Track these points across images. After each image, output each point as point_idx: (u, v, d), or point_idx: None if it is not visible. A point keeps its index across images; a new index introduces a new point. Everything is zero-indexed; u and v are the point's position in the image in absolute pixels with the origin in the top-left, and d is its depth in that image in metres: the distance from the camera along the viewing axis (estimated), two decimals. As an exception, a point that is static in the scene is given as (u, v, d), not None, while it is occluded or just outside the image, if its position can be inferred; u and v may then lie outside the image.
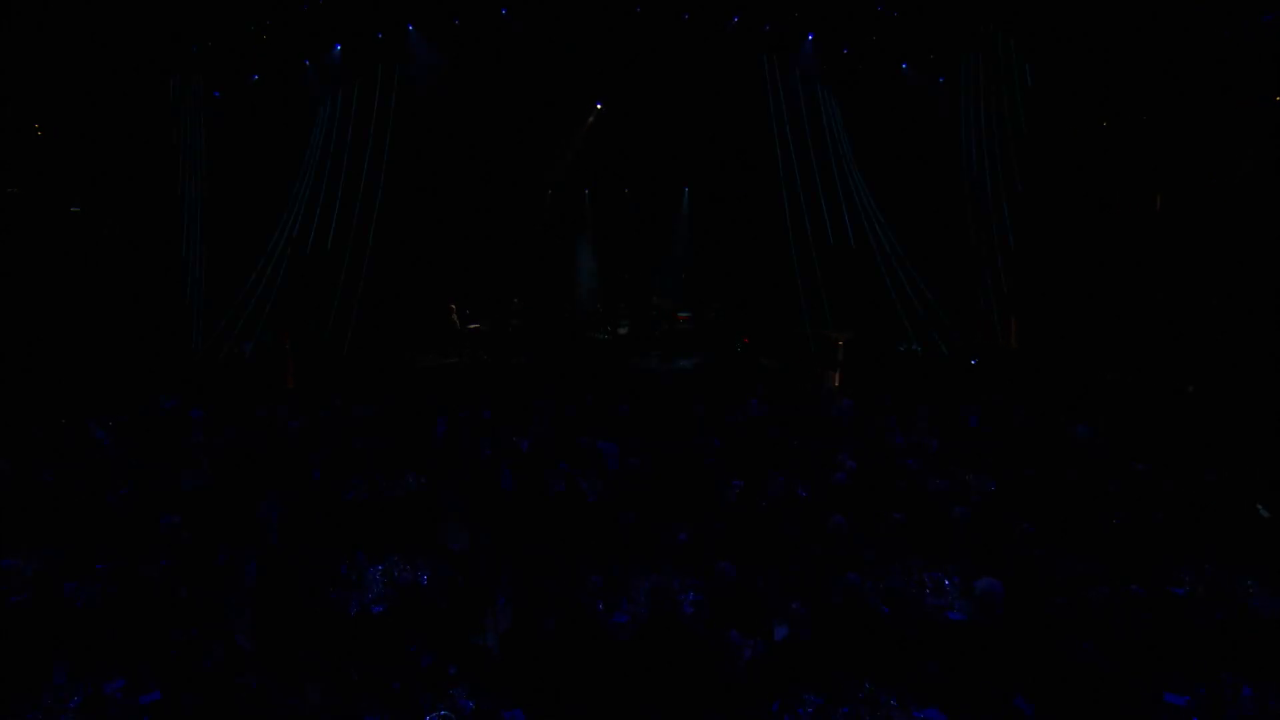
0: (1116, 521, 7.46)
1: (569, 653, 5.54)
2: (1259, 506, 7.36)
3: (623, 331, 17.69)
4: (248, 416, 12.20)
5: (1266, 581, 6.10)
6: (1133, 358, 14.22)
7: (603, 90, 17.84)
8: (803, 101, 16.64)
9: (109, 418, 12.21)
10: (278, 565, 6.51)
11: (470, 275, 18.68)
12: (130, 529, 7.86)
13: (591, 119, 18.83)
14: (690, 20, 16.21)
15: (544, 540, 8.35)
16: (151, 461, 10.05)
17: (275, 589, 6.25)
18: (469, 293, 18.08)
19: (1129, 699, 4.88)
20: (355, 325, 17.10)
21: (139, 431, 11.28)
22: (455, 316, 16.62)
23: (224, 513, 9.20)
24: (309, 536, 7.26)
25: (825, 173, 16.77)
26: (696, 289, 19.39)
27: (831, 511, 8.44)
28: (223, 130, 16.75)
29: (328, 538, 7.61)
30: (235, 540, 8.13)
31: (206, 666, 5.48)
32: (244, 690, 5.15)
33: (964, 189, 16.29)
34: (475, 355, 16.45)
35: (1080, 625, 5.44)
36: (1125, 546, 6.80)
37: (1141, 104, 14.72)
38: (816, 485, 8.94)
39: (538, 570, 6.78)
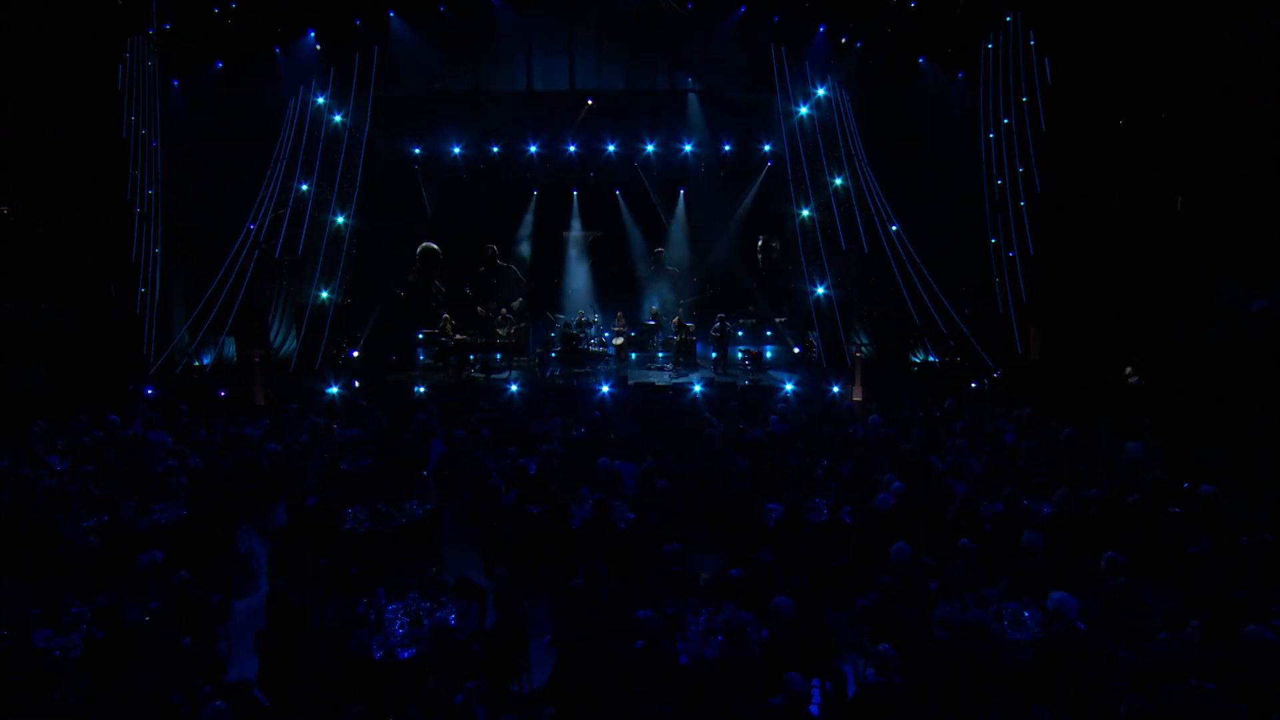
0: (1195, 550, 7.41)
1: (634, 698, 5.28)
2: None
3: (618, 343, 17.45)
4: (219, 436, 11.73)
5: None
6: (1153, 364, 14.38)
7: (596, 85, 17.62)
8: (813, 98, 16.62)
9: (58, 439, 11.66)
10: (286, 605, 6.12)
11: (456, 285, 18.42)
12: (103, 567, 7.40)
13: (583, 115, 18.64)
14: (694, 10, 16.14)
15: (574, 572, 8.09)
16: (118, 490, 9.56)
17: (287, 633, 5.88)
18: (456, 304, 17.83)
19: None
20: (329, 337, 16.63)
21: (93, 456, 10.71)
22: (450, 326, 16.25)
23: (204, 547, 8.83)
24: (311, 573, 6.87)
25: (837, 174, 16.74)
26: (701, 298, 19.27)
27: (881, 537, 8.34)
28: (181, 123, 16.22)
29: (333, 574, 7.24)
30: (220, 578, 7.75)
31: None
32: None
33: (983, 190, 16.36)
34: (463, 368, 16.08)
35: (1188, 665, 5.30)
36: (1211, 576, 6.72)
37: (1160, 101, 14.97)
38: (861, 509, 8.79)
39: (578, 606, 6.48)
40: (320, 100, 16.34)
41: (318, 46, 16.12)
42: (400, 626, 6.39)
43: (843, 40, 16.19)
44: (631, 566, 7.45)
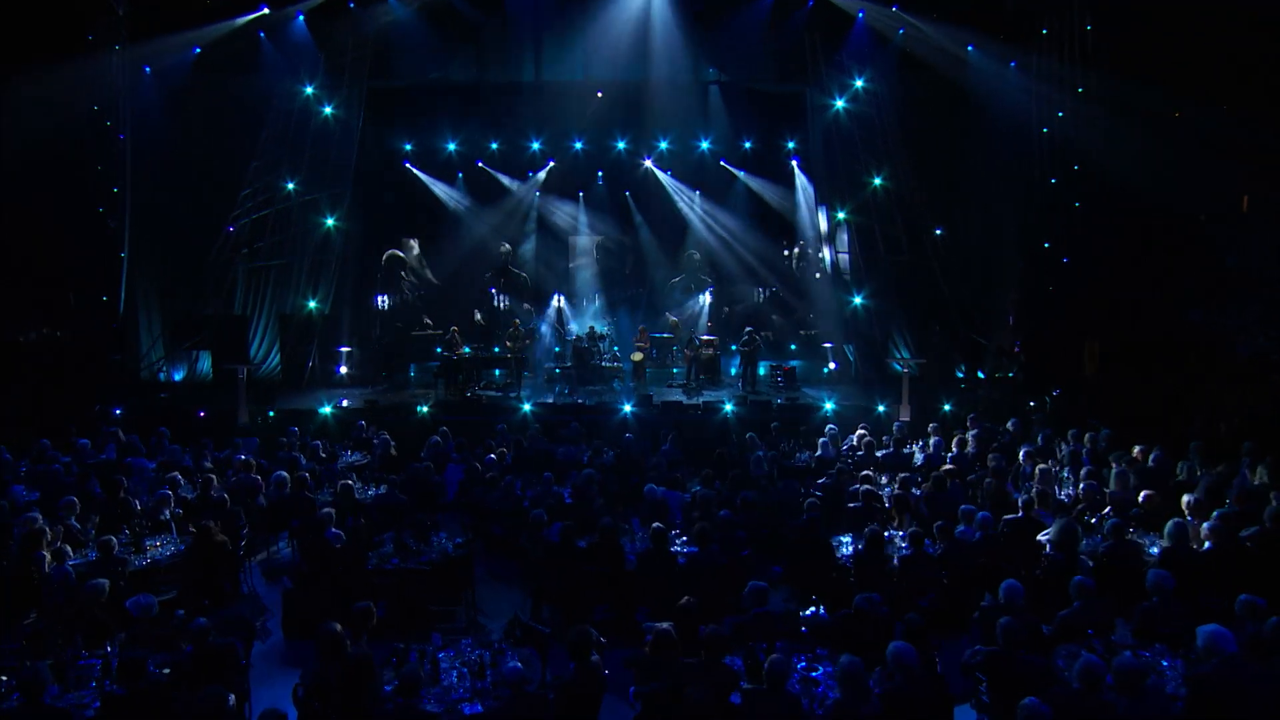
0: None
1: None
2: None
3: (636, 358, 17.25)
4: (208, 461, 11.40)
5: None
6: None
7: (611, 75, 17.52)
8: (850, 90, 16.60)
9: (20, 465, 11.30)
10: (346, 656, 5.85)
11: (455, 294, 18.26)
12: (106, 612, 7.09)
13: (591, 109, 18.56)
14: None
15: (633, 612, 7.89)
16: (102, 524, 9.23)
17: (352, 688, 5.61)
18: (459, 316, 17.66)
19: None
20: (318, 350, 16.35)
21: (70, 486, 10.33)
22: (457, 337, 16.03)
23: (209, 587, 8.54)
24: (356, 618, 6.59)
25: (875, 172, 16.71)
26: (723, 310, 19.20)
27: (970, 573, 8.20)
28: (153, 114, 15.90)
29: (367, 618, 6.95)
30: (238, 623, 7.44)
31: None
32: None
33: (1035, 190, 16.36)
34: (469, 385, 15.82)
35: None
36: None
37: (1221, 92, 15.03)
38: (945, 543, 8.63)
39: (665, 652, 6.24)
40: (309, 90, 16.12)
41: (307, 31, 15.93)
42: (459, 677, 6.15)
43: (882, 27, 16.18)
44: (706, 607, 7.22)
